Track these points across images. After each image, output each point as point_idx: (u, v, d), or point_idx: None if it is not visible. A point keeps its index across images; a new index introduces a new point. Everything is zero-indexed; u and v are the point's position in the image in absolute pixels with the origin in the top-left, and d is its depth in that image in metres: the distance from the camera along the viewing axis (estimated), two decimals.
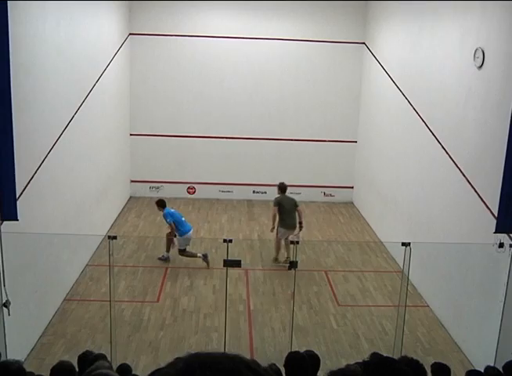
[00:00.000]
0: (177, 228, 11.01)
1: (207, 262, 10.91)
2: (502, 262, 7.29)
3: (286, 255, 11.18)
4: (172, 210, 11.39)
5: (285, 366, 4.72)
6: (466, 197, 8.46)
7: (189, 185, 15.58)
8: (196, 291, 10.13)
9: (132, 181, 15.47)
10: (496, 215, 7.23)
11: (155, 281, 10.42)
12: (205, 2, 14.55)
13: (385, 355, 3.65)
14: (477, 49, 8.30)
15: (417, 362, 4.38)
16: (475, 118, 8.42)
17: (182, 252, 11.14)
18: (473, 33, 8.57)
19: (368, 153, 14.50)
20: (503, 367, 5.35)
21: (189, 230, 11.18)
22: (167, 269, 10.98)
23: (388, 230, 12.39)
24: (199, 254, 11.07)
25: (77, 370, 5.05)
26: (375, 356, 3.68)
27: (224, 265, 8.96)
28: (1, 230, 6.59)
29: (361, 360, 5.80)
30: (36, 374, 5.38)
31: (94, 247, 11.11)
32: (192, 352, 1.26)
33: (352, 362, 5.83)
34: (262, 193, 15.66)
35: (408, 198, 11.24)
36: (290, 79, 15.22)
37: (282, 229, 11.10)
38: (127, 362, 6.18)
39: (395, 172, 12.13)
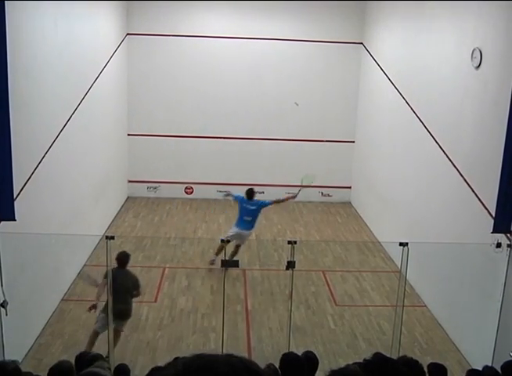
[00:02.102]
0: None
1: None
2: (499, 262, 7.30)
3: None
4: (244, 204, 10.85)
5: (280, 367, 4.73)
6: (464, 196, 8.48)
7: (186, 185, 15.58)
8: (194, 291, 10.13)
9: (130, 181, 15.45)
10: (494, 214, 7.24)
11: (153, 281, 10.41)
12: (203, 2, 14.54)
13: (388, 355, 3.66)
14: (474, 49, 8.31)
15: (416, 362, 4.37)
16: (473, 118, 8.43)
17: (221, 242, 10.33)
18: (470, 33, 8.58)
19: (365, 153, 14.51)
20: (502, 367, 5.36)
21: (239, 227, 10.73)
22: (164, 269, 10.97)
23: (386, 230, 12.39)
24: (214, 259, 10.64)
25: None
26: (378, 355, 3.68)
27: (222, 266, 8.99)
28: None
29: (358, 360, 5.82)
30: (34, 374, 5.37)
31: (92, 247, 11.09)
32: (197, 352, 1.26)
33: (350, 362, 5.84)
34: (260, 193, 15.60)
35: (405, 198, 11.26)
36: (287, 79, 15.22)
37: None
38: (124, 362, 6.17)
39: (393, 172, 12.14)
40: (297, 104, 14.72)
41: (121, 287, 7.69)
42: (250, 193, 10.99)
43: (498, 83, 7.68)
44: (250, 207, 10.84)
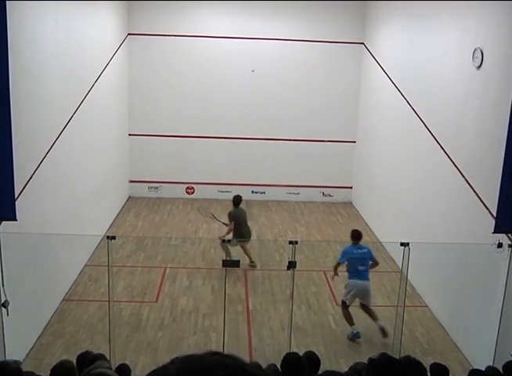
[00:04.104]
0: (348, 272, 8.89)
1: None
2: (500, 262, 7.29)
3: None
4: (352, 248, 8.87)
5: (281, 366, 4.74)
6: (465, 196, 8.47)
7: (187, 185, 15.58)
8: (195, 291, 10.13)
9: (131, 181, 15.46)
10: (495, 215, 7.23)
11: (154, 281, 10.41)
12: (204, 2, 14.54)
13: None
14: (475, 49, 8.31)
15: (419, 363, 4.37)
16: (474, 118, 8.42)
17: (343, 306, 8.88)
18: (472, 33, 8.58)
19: (367, 154, 14.51)
20: (503, 367, 5.35)
21: (360, 280, 8.71)
22: (165, 269, 10.98)
23: (387, 230, 12.39)
24: (353, 331, 8.71)
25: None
26: (383, 355, 3.69)
27: (223, 266, 8.98)
28: (0, 231, 6.59)
29: (359, 360, 5.81)
30: (36, 374, 5.37)
31: (93, 247, 11.10)
32: (191, 353, 1.25)
33: (351, 362, 5.84)
34: (261, 193, 15.66)
35: (406, 198, 11.25)
36: (288, 79, 15.22)
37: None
38: (125, 362, 6.17)
39: (394, 172, 12.13)
40: (253, 70, 14.68)
41: (243, 218, 11.13)
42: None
43: (499, 83, 7.67)
44: (360, 253, 8.87)
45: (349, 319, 8.71)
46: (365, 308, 8.80)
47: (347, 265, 8.79)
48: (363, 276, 8.72)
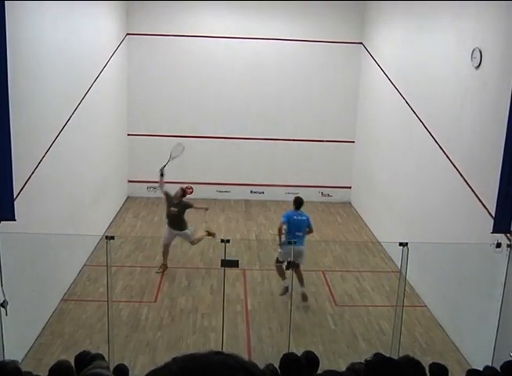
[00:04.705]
0: (286, 233, 9.54)
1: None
2: (499, 262, 7.30)
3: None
4: (293, 213, 9.66)
5: (280, 367, 4.74)
6: (464, 196, 8.48)
7: (186, 185, 15.54)
8: (194, 291, 10.13)
9: (130, 181, 15.44)
10: (493, 214, 7.24)
11: (152, 281, 10.41)
12: (203, 2, 14.54)
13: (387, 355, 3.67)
14: (474, 49, 8.31)
15: (418, 362, 4.37)
16: (472, 118, 8.43)
17: (277, 262, 9.77)
18: (470, 33, 8.59)
19: (365, 153, 14.51)
20: (501, 367, 5.35)
21: (296, 246, 9.00)
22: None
23: (386, 230, 12.39)
24: (284, 284, 9.53)
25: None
26: (378, 355, 3.69)
27: (221, 265, 8.97)
28: None
29: (358, 360, 5.81)
30: (34, 374, 5.37)
31: (91, 247, 11.10)
32: (190, 352, 1.25)
33: (350, 362, 5.84)
34: (260, 193, 15.66)
35: (405, 198, 11.26)
36: (287, 79, 15.22)
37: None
38: (124, 362, 6.17)
39: (393, 172, 12.14)
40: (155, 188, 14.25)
41: (178, 210, 11.20)
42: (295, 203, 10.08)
43: (498, 83, 7.68)
44: (300, 218, 9.68)
45: (282, 273, 9.57)
46: (298, 269, 9.48)
47: (287, 227, 9.50)
48: (299, 241, 9.37)
